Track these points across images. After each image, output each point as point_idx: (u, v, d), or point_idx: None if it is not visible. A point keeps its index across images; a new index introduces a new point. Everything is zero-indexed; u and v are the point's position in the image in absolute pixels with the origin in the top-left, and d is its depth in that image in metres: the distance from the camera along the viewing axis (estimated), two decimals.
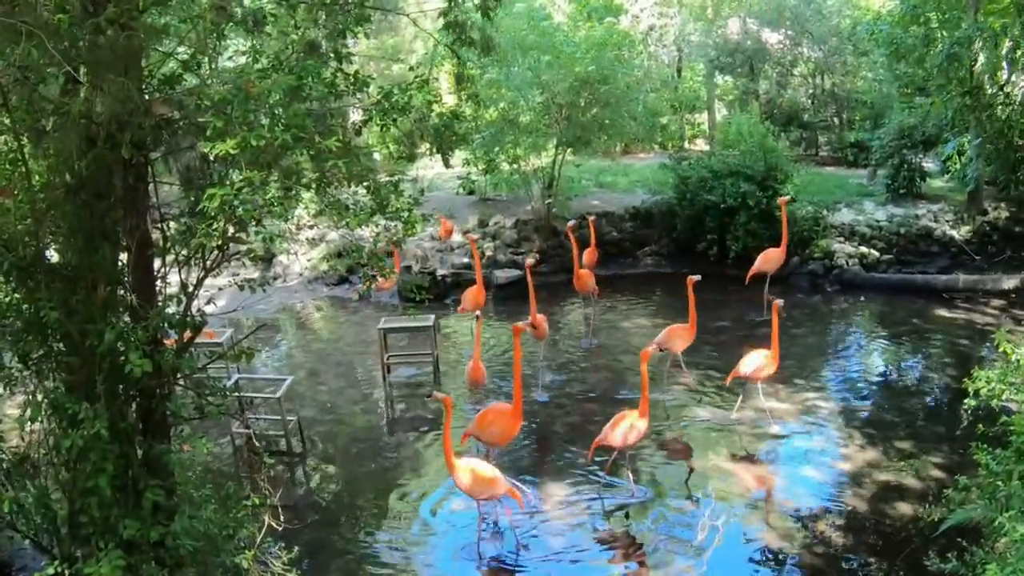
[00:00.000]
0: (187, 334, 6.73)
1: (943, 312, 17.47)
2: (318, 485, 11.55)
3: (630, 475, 10.83)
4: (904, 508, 10.17)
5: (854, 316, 18.10)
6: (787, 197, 17.71)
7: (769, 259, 17.28)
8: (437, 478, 11.33)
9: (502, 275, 19.67)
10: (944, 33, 19.57)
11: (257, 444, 12.04)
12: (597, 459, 11.14)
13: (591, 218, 19.09)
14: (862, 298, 18.88)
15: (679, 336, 13.47)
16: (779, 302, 12.34)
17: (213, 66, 6.41)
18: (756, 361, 12.24)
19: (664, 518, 10.19)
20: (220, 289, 9.30)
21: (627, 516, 10.33)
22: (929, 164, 23.08)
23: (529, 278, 14.76)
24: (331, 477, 11.72)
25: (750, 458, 11.59)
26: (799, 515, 10.24)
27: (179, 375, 6.83)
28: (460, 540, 10.00)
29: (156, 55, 6.82)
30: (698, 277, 13.35)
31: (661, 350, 13.30)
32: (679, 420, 12.82)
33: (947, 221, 20.81)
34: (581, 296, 18.10)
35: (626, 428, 10.49)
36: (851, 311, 18.12)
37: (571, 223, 17.78)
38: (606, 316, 18.03)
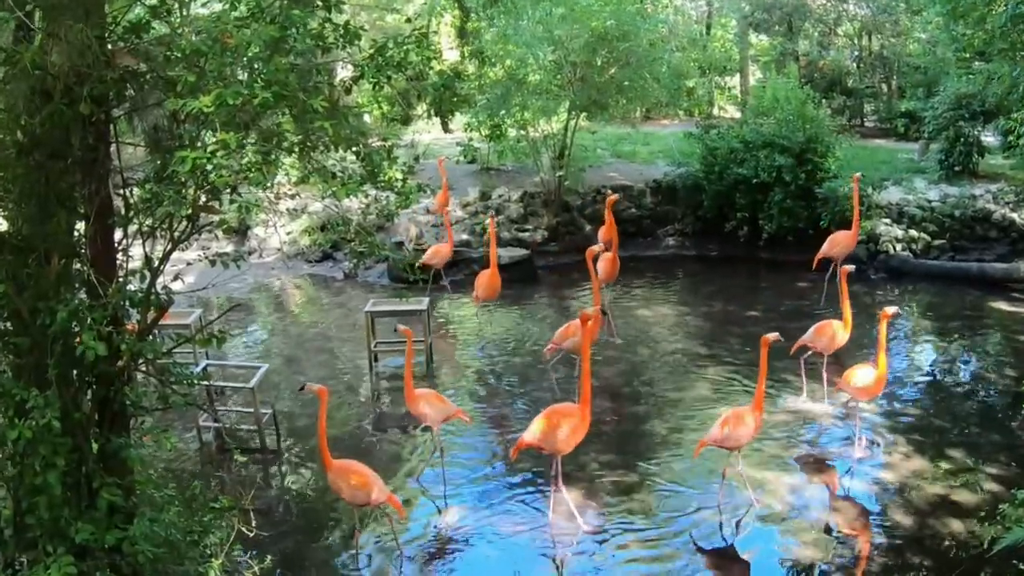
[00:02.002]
0: (151, 314, 6.71)
1: (1001, 305, 17.48)
2: (295, 487, 11.55)
3: (745, 481, 10.67)
4: (954, 525, 10.14)
5: (901, 308, 18.04)
6: (859, 175, 17.52)
7: (836, 243, 17.11)
8: (428, 481, 11.33)
9: (506, 254, 19.61)
10: None
11: (227, 439, 12.06)
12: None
13: (608, 192, 19.06)
14: (910, 287, 18.92)
15: (826, 334, 13.13)
16: (848, 267, 12.82)
17: (185, 13, 6.37)
18: (828, 331, 12.79)
19: (688, 532, 10.20)
20: (189, 264, 9.32)
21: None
22: (988, 138, 22.99)
23: (590, 265, 13.95)
24: (309, 478, 11.72)
25: (782, 466, 11.56)
26: (836, 531, 10.24)
27: (140, 360, 6.80)
28: (450, 549, 10.02)
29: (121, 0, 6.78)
30: (851, 268, 13.08)
31: (808, 349, 13.28)
32: (704, 415, 12.80)
33: (1008, 203, 20.73)
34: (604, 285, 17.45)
35: (740, 424, 10.36)
36: (898, 302, 18.08)
37: (612, 195, 17.26)
38: (622, 302, 17.99)
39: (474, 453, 12.17)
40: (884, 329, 11.45)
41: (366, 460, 11.82)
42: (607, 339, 15.51)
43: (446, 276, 18.20)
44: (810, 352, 13.30)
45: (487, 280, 15.66)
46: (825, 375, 13.17)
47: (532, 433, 10.30)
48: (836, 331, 12.95)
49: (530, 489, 11.04)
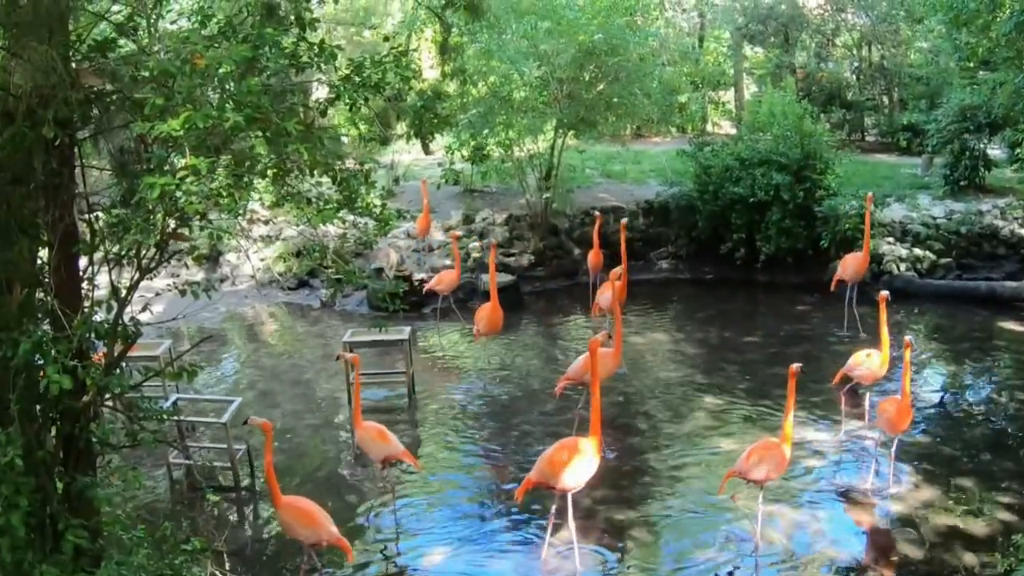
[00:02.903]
0: (118, 346, 6.72)
1: (1012, 325, 17.58)
2: (270, 527, 11.50)
3: (759, 519, 10.55)
4: (966, 557, 10.12)
5: (906, 330, 18.07)
6: (871, 194, 17.55)
7: (846, 266, 17.11)
8: (412, 521, 11.33)
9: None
10: None
11: (199, 478, 12.04)
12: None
13: (597, 214, 19.15)
14: (916, 309, 18.97)
15: (868, 367, 13.04)
16: (885, 293, 12.76)
17: (153, 31, 6.42)
18: (870, 362, 12.77)
19: (690, 571, 10.19)
20: (157, 294, 9.32)
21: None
22: (995, 151, 23.17)
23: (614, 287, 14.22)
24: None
25: (787, 498, 11.54)
26: (843, 566, 10.24)
27: (107, 395, 6.81)
28: None
29: (86, 16, 6.82)
30: (886, 294, 12.95)
31: (850, 380, 13.33)
32: (702, 448, 12.85)
33: (1016, 218, 20.85)
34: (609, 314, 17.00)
35: (768, 458, 10.30)
36: (903, 324, 18.13)
37: (599, 216, 17.54)
38: (606, 328, 17.93)
39: (458, 491, 12.15)
40: (908, 358, 11.48)
41: (341, 498, 11.91)
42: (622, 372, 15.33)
43: (443, 302, 18.12)
44: (852, 383, 13.37)
45: (488, 314, 15.42)
46: (867, 405, 13.26)
47: (540, 471, 10.16)
48: (876, 361, 12.87)
49: (522, 528, 11.05)
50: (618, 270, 14.73)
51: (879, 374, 12.93)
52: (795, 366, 10.56)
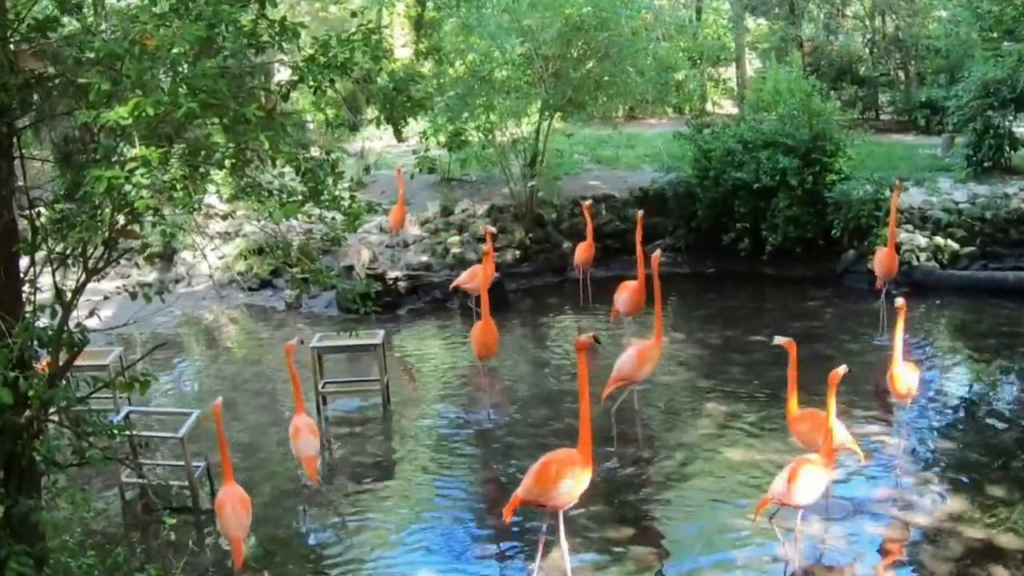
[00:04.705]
0: (63, 355, 6.72)
1: None
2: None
3: (796, 540, 10.47)
4: (998, 573, 10.18)
5: (927, 326, 18.18)
6: (898, 181, 17.57)
7: (876, 264, 16.88)
8: (388, 544, 11.33)
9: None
10: None
11: (154, 498, 12.02)
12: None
13: (586, 203, 19.17)
14: (937, 302, 19.01)
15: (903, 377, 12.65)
16: (901, 301, 12.44)
17: (99, 8, 6.42)
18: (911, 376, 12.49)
19: None
20: (106, 297, 9.32)
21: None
22: (1021, 129, 23.16)
23: (657, 277, 14.10)
24: (249, 542, 11.67)
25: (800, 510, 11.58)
26: None
27: (52, 409, 6.81)
28: None
29: None
30: (903, 302, 12.63)
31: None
32: (707, 459, 12.88)
33: None
34: (626, 317, 17.14)
35: (810, 479, 10.20)
36: (923, 319, 18.20)
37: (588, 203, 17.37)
38: (609, 329, 17.97)
39: (439, 510, 12.15)
40: (901, 322, 11.87)
41: (313, 520, 11.94)
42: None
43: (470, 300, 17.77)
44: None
45: (481, 334, 14.51)
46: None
47: (528, 488, 10.12)
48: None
49: (510, 551, 11.06)
50: (658, 253, 14.60)
51: (900, 392, 12.56)
52: (841, 369, 10.48)
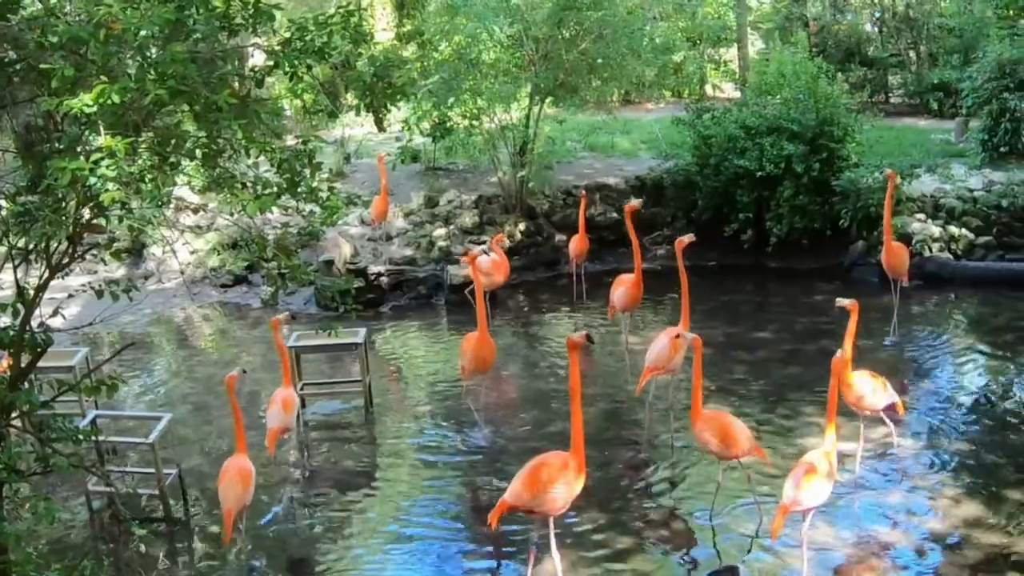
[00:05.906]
0: (25, 356, 6.74)
1: None
2: (207, 564, 11.52)
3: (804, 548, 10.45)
4: None
5: (941, 321, 18.21)
6: (890, 171, 17.45)
7: (883, 258, 16.66)
8: (371, 552, 11.35)
9: (459, 273, 19.52)
10: None
11: (122, 508, 12.03)
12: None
13: (581, 193, 19.20)
14: (952, 296, 19.07)
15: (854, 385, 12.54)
16: (847, 302, 12.15)
17: None
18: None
19: None
20: (71, 295, 9.32)
21: None
22: None
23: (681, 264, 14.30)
24: (224, 553, 11.68)
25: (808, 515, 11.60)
26: None
27: (14, 413, 6.83)
28: None
29: None
30: (850, 302, 12.43)
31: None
32: (708, 463, 12.87)
33: None
34: (623, 314, 16.88)
35: (818, 480, 10.19)
36: (937, 314, 18.24)
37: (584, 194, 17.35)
38: (605, 326, 18.00)
39: (423, 516, 12.13)
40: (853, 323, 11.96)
41: (294, 529, 11.94)
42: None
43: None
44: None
45: (474, 348, 14.04)
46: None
47: (516, 493, 10.00)
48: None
49: (498, 560, 11.12)
50: (685, 239, 14.54)
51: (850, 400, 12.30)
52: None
